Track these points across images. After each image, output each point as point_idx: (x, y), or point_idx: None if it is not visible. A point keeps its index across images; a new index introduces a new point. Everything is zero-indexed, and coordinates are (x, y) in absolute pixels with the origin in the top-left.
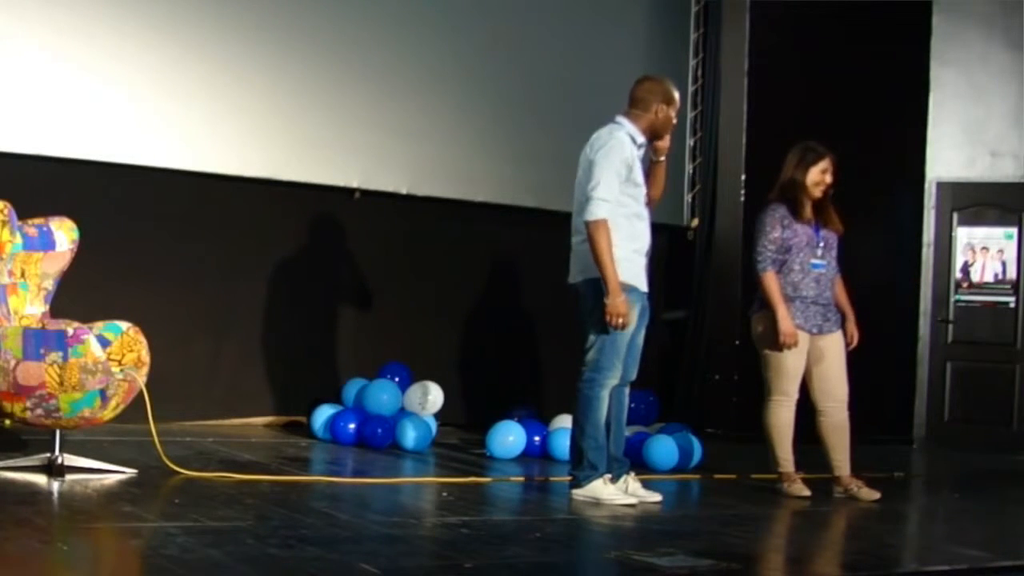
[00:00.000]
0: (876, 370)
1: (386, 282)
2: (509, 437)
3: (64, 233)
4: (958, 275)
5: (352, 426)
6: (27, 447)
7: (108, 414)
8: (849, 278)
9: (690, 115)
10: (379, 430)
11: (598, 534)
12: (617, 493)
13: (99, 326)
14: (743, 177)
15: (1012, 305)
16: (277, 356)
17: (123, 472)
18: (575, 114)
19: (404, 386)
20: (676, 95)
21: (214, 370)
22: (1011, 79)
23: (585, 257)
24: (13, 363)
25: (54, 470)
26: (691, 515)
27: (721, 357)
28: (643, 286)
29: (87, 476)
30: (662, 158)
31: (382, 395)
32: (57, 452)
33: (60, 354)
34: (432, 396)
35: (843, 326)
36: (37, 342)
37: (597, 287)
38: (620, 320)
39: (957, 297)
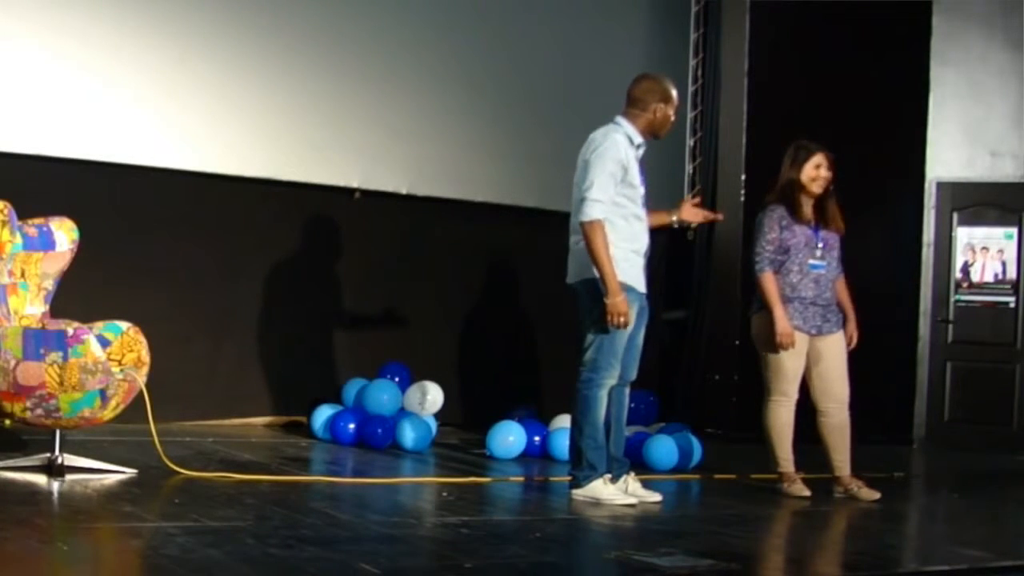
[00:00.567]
0: (876, 370)
1: (386, 282)
2: (509, 437)
3: (64, 233)
4: (958, 275)
5: (352, 426)
6: (27, 447)
7: (108, 414)
8: (849, 278)
9: (690, 115)
10: (379, 430)
11: (598, 534)
12: (617, 493)
13: (99, 326)
14: (743, 177)
15: (1012, 305)
16: (277, 356)
17: (123, 472)
18: (575, 114)
19: (404, 386)
20: (675, 93)
21: (214, 370)
22: (1011, 79)
23: (582, 257)
24: (13, 363)
25: (54, 470)
26: (691, 515)
27: (721, 357)
28: (641, 287)
29: (87, 476)
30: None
31: (382, 395)
32: (57, 452)
33: (60, 354)
34: (431, 396)
35: (844, 326)
36: (37, 342)
37: (595, 287)
38: (621, 319)
39: (957, 297)
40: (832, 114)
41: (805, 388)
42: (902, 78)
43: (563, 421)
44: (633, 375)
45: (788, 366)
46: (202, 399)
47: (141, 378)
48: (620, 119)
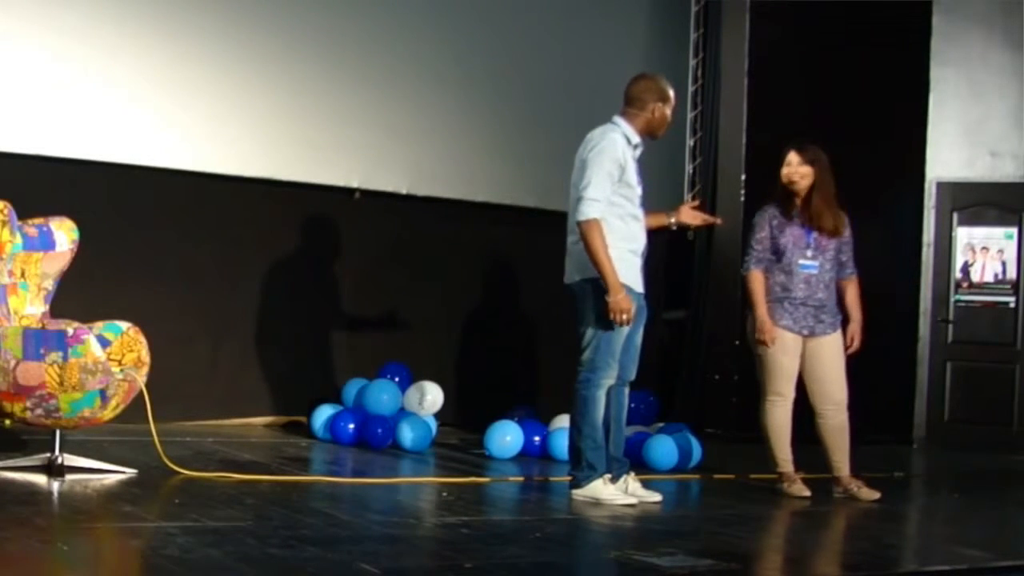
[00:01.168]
0: (876, 370)
1: (386, 282)
2: (506, 437)
3: (64, 233)
4: (958, 275)
5: (352, 426)
6: (27, 447)
7: (108, 414)
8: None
9: (690, 115)
10: (379, 430)
11: (598, 534)
12: (617, 493)
13: (99, 326)
14: (743, 177)
15: (1012, 305)
16: (277, 356)
17: (123, 472)
18: (575, 114)
19: (404, 386)
20: (672, 93)
21: (214, 370)
22: (1011, 79)
23: (580, 257)
24: (13, 363)
25: (54, 470)
26: (691, 515)
27: (721, 357)
28: (639, 287)
29: (87, 476)
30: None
31: (382, 395)
32: (57, 452)
33: (60, 354)
34: (431, 396)
35: (843, 328)
36: (37, 342)
37: (593, 287)
38: (623, 316)
39: (957, 297)
40: (832, 114)
41: (803, 387)
42: (902, 78)
43: (563, 421)
44: (632, 375)
45: (781, 365)
46: (202, 399)
47: (141, 378)
48: (618, 119)
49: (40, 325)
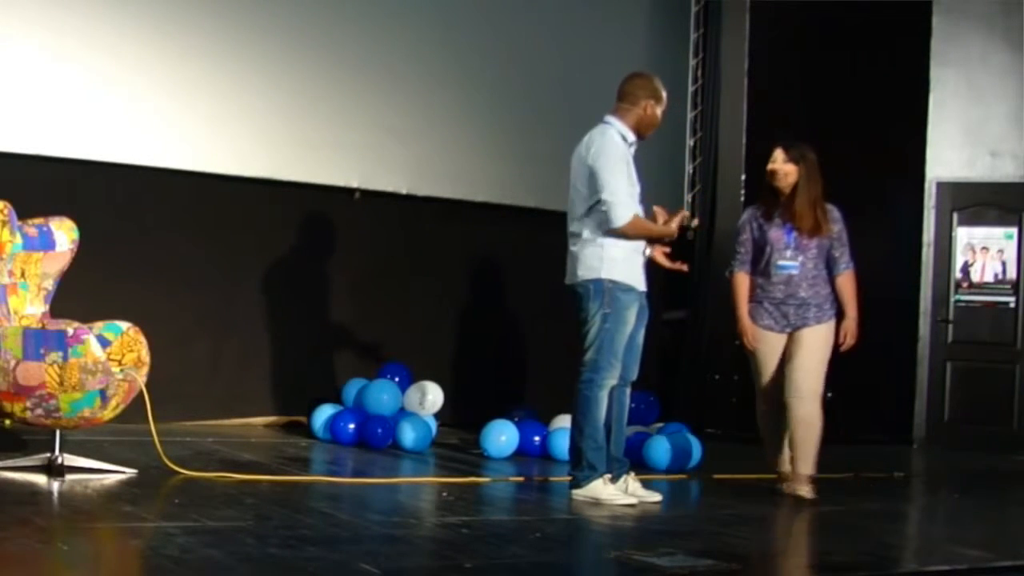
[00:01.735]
0: (876, 370)
1: (386, 282)
2: (501, 437)
3: (64, 233)
4: (958, 275)
5: (352, 426)
6: (27, 447)
7: (108, 414)
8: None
9: (690, 115)
10: (379, 430)
11: (598, 534)
12: (617, 493)
13: (99, 326)
14: (743, 177)
15: (1012, 305)
16: (277, 356)
17: (123, 472)
18: (575, 114)
19: (404, 386)
20: (664, 95)
21: (214, 370)
22: (1011, 79)
23: (584, 259)
24: (13, 363)
25: (54, 470)
26: (691, 515)
27: (721, 357)
28: (641, 285)
29: (87, 476)
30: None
31: (382, 395)
32: (57, 452)
33: (60, 354)
34: (431, 396)
35: (832, 321)
36: (37, 342)
37: (595, 288)
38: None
39: (957, 297)
40: (832, 114)
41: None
42: (902, 78)
43: (563, 421)
44: (634, 375)
45: (761, 364)
46: (202, 399)
47: (141, 378)
48: (610, 118)
49: (40, 325)
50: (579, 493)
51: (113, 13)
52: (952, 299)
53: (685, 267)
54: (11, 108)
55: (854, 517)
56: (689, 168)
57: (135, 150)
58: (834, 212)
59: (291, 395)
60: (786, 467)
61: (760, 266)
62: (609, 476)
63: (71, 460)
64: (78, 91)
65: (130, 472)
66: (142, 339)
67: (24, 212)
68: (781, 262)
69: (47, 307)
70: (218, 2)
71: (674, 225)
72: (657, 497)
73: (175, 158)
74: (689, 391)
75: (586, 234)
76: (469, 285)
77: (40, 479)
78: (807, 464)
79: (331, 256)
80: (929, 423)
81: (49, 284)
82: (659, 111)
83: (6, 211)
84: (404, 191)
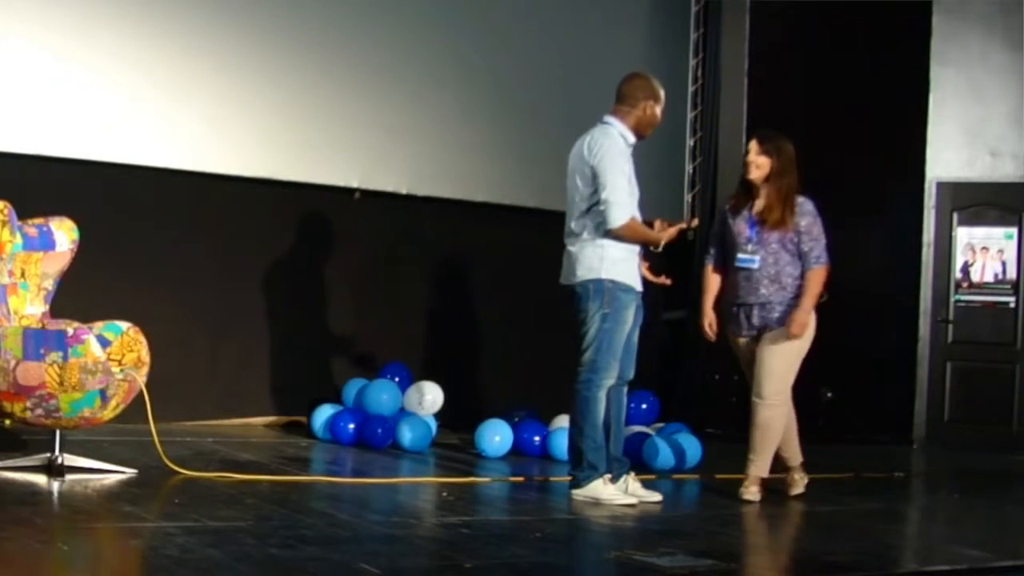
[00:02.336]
0: (876, 370)
1: (386, 282)
2: (496, 437)
3: (64, 233)
4: (958, 275)
5: (352, 426)
6: (27, 447)
7: (108, 414)
8: (849, 278)
9: (690, 115)
10: (379, 430)
11: (598, 534)
12: (617, 493)
13: (99, 326)
14: None
15: (1012, 305)
16: (277, 356)
17: (123, 472)
18: (575, 114)
19: (404, 386)
20: (662, 94)
21: (214, 370)
22: (1011, 79)
23: (582, 259)
24: (13, 363)
25: (54, 470)
26: (691, 515)
27: (721, 357)
28: (638, 285)
29: (87, 476)
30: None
31: (382, 395)
32: (57, 452)
33: (60, 354)
34: (431, 396)
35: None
36: (37, 342)
37: (595, 288)
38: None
39: (957, 297)
40: (832, 114)
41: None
42: (902, 78)
43: (563, 421)
44: (631, 374)
45: (744, 369)
46: (202, 399)
47: (141, 378)
48: (610, 118)
49: (40, 325)
50: (579, 493)
51: (113, 13)
52: (952, 299)
53: (668, 281)
54: (11, 108)
55: (854, 517)
56: (689, 168)
57: (135, 150)
58: (805, 205)
59: (291, 395)
60: (793, 461)
61: (729, 263)
62: (609, 476)
63: (71, 460)
64: (78, 91)
65: (130, 472)
66: (142, 339)
67: (24, 212)
68: (740, 256)
69: (47, 307)
70: (218, 2)
71: (670, 233)
72: (657, 497)
73: (175, 158)
74: (689, 391)
75: (585, 234)
76: (469, 285)
77: (40, 479)
78: (761, 466)
79: (331, 256)
80: (929, 423)
81: (49, 284)
82: (658, 111)
83: (6, 211)
84: (404, 191)
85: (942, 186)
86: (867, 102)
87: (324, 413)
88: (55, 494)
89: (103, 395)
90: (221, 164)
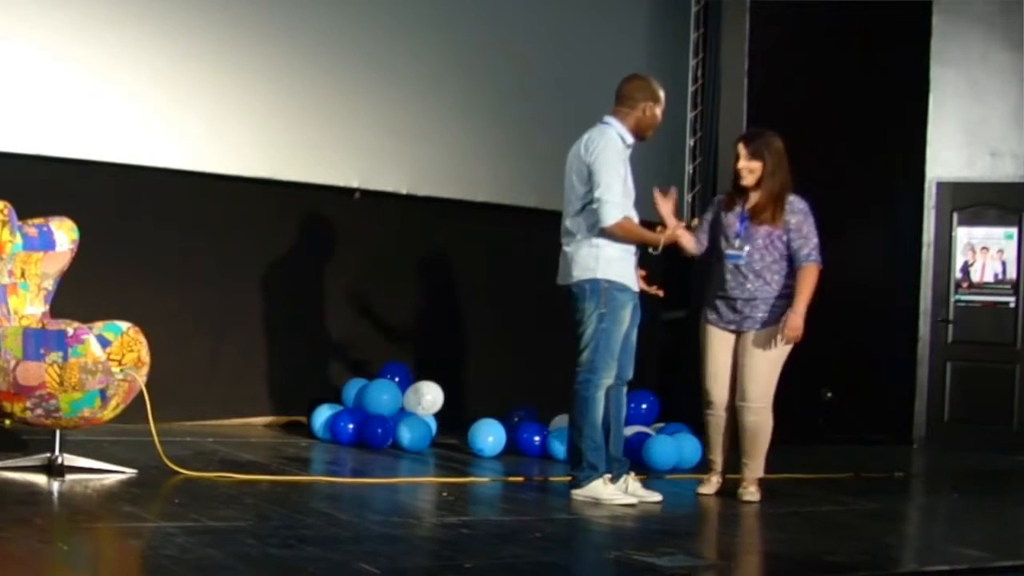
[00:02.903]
0: (876, 370)
1: (386, 282)
2: (489, 437)
3: (64, 233)
4: (958, 275)
5: (352, 426)
6: (27, 447)
7: (108, 414)
8: (849, 278)
9: (690, 115)
10: (379, 430)
11: (598, 534)
12: (617, 493)
13: (99, 326)
14: None
15: (1012, 305)
16: (277, 356)
17: (123, 472)
18: (575, 114)
19: (404, 386)
20: (663, 95)
21: (214, 370)
22: (1011, 79)
23: (578, 258)
24: (13, 363)
25: (54, 470)
26: (691, 515)
27: None
28: (635, 285)
29: (87, 476)
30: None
31: (382, 395)
32: (57, 452)
33: (60, 354)
34: (431, 396)
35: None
36: (37, 342)
37: (591, 288)
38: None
39: (957, 297)
40: (832, 114)
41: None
42: (902, 78)
43: (563, 421)
44: (630, 374)
45: (708, 363)
46: (202, 399)
47: (141, 378)
48: (609, 119)
49: (40, 325)
50: (579, 493)
51: (113, 13)
52: (952, 299)
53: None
54: (11, 108)
55: (854, 517)
56: (689, 168)
57: (135, 150)
58: (795, 203)
59: (291, 395)
60: (715, 467)
61: (715, 257)
62: (609, 476)
63: (71, 460)
64: (78, 91)
65: (130, 472)
66: (142, 339)
67: (24, 212)
68: (729, 251)
69: (47, 307)
70: (218, 2)
71: (668, 235)
72: (657, 497)
73: (175, 158)
74: (689, 391)
75: (581, 233)
76: (469, 285)
77: (40, 479)
78: (755, 468)
79: (331, 256)
80: (929, 423)
81: (49, 284)
82: (658, 112)
83: (6, 211)
84: (404, 191)
85: (942, 186)
86: (867, 102)
87: (324, 413)
88: (55, 494)
89: (103, 395)
90: (221, 164)
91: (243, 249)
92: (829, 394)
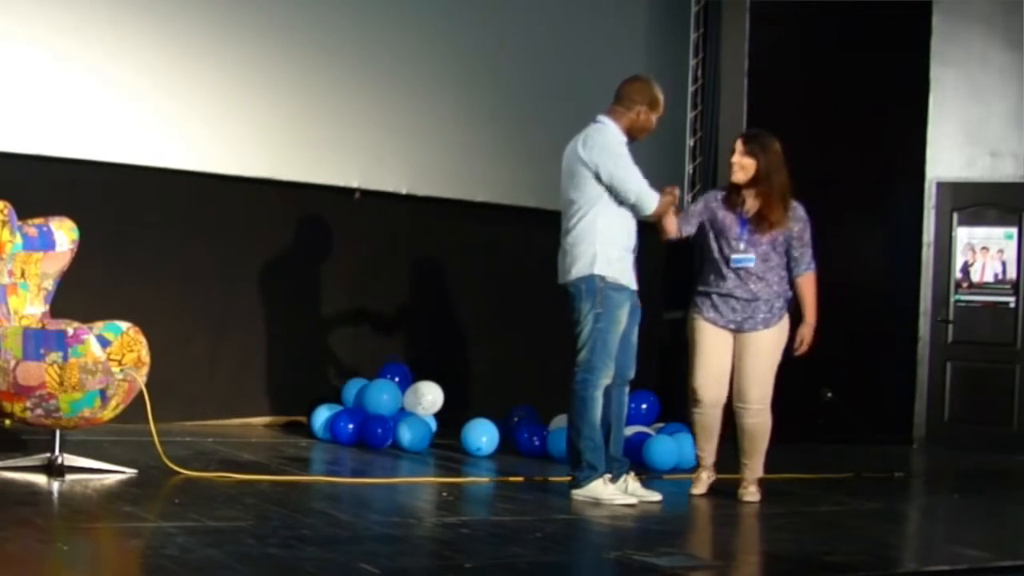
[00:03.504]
0: (876, 370)
1: (386, 282)
2: (483, 437)
3: (64, 233)
4: (958, 275)
5: (352, 426)
6: (27, 447)
7: (108, 414)
8: (850, 278)
9: (690, 115)
10: (379, 430)
11: (598, 534)
12: (617, 493)
13: (99, 326)
14: None
15: (1012, 305)
16: (277, 356)
17: (123, 472)
18: (575, 114)
19: (404, 386)
20: (662, 101)
21: (214, 370)
22: (1011, 79)
23: (576, 257)
24: (13, 363)
25: (54, 470)
26: (691, 515)
27: None
28: (634, 284)
29: (87, 476)
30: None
31: (382, 395)
32: (57, 452)
33: (60, 354)
34: (431, 396)
35: (779, 324)
36: (37, 342)
37: (588, 287)
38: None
39: (957, 297)
40: (832, 114)
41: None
42: (902, 78)
43: (562, 421)
44: (631, 374)
45: (700, 358)
46: (202, 399)
47: (141, 378)
48: (603, 118)
49: (40, 325)
50: (579, 493)
51: (113, 13)
52: (952, 299)
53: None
54: (11, 108)
55: (854, 517)
56: (689, 168)
57: (135, 150)
58: (798, 210)
59: (291, 395)
60: (706, 462)
61: (711, 257)
62: (609, 476)
63: (71, 460)
64: (78, 91)
65: (130, 472)
66: (142, 339)
67: (24, 212)
68: (736, 256)
69: (47, 307)
70: (218, 2)
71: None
72: (657, 497)
73: (175, 158)
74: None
75: (578, 232)
76: (469, 285)
77: (40, 479)
78: (755, 469)
79: (331, 256)
80: (929, 423)
81: (49, 284)
82: (654, 118)
83: (6, 211)
84: (404, 191)
85: (942, 186)
86: (867, 102)
87: (324, 413)
88: (55, 494)
89: (103, 395)
90: (221, 164)
91: (243, 249)
92: (829, 394)
